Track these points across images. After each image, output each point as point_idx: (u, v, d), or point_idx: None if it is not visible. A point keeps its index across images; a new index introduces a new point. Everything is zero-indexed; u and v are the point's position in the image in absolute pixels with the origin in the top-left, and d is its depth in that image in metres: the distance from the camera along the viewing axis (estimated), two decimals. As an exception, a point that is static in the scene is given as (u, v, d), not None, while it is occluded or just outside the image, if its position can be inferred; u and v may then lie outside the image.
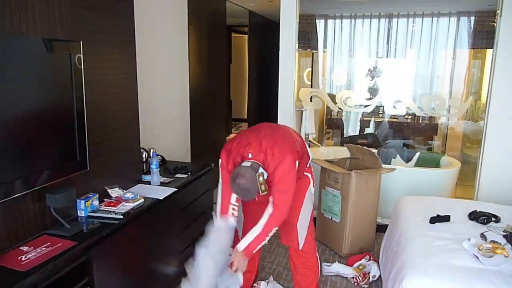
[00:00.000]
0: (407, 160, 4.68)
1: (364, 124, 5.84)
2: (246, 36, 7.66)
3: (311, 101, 4.42)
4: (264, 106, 7.42)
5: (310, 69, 5.84)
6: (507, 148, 3.54)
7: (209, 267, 2.13)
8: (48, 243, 1.92)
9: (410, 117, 5.57)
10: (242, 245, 2.22)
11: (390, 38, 5.33)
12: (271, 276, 3.10)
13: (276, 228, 2.26)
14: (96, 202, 2.32)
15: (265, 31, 7.33)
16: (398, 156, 4.70)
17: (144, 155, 3.11)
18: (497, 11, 3.42)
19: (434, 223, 2.68)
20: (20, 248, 1.86)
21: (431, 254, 2.27)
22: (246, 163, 2.16)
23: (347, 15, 5.48)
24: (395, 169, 3.67)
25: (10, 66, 1.76)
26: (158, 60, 3.62)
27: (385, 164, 4.13)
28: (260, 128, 2.39)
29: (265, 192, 2.15)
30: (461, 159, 4.72)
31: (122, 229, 2.23)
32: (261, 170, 2.15)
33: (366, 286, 3.03)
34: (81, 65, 2.14)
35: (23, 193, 1.87)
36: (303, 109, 4.41)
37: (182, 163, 3.40)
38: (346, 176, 3.35)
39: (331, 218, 3.54)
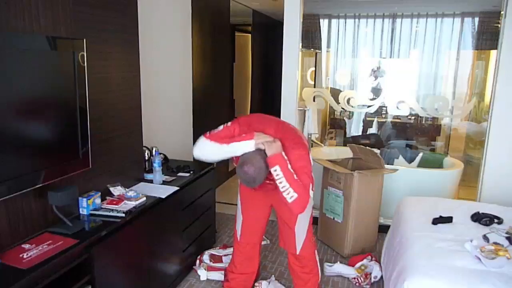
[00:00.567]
0: (410, 160, 4.67)
1: (367, 124, 5.83)
2: (250, 35, 7.66)
3: (314, 100, 4.42)
4: (267, 105, 7.41)
5: (314, 68, 5.83)
6: (511, 149, 3.52)
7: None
8: (50, 241, 1.92)
9: (413, 117, 5.54)
10: (281, 160, 2.05)
11: (394, 38, 5.31)
12: (273, 275, 3.10)
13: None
14: (98, 200, 2.33)
15: (269, 30, 7.33)
16: (401, 156, 4.69)
17: (146, 154, 3.12)
18: (502, 12, 3.40)
19: (436, 224, 2.67)
20: (22, 245, 1.87)
21: (433, 255, 2.26)
22: (257, 149, 2.07)
23: (351, 15, 5.47)
24: (397, 169, 3.66)
25: (14, 64, 1.76)
26: (162, 59, 3.62)
27: (388, 164, 4.12)
28: (269, 118, 2.33)
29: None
30: (464, 160, 4.70)
31: (124, 227, 2.23)
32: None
33: (368, 286, 3.02)
34: (84, 63, 2.14)
35: (25, 190, 1.87)
36: (306, 108, 4.41)
37: (184, 161, 3.40)
38: (348, 176, 3.35)
39: (333, 218, 3.53)
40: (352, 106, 4.27)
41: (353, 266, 3.18)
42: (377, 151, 4.12)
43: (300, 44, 3.95)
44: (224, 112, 5.51)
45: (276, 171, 2.03)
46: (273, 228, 3.86)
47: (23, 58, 1.81)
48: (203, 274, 3.05)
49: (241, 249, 2.66)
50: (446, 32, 5.14)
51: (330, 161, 3.68)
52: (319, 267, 2.67)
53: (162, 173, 2.92)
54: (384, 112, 5.58)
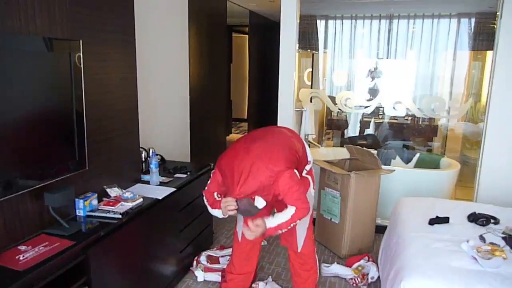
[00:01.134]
0: (407, 161, 4.68)
1: (364, 125, 5.84)
2: (247, 36, 7.66)
3: (311, 101, 4.42)
4: (264, 106, 7.43)
5: (311, 69, 5.84)
6: (507, 149, 3.54)
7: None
8: (46, 243, 1.91)
9: (410, 118, 5.56)
10: (270, 223, 2.19)
11: (391, 39, 5.33)
12: (270, 276, 3.09)
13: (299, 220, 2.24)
14: (95, 202, 2.32)
15: (266, 31, 7.34)
16: (397, 157, 4.69)
17: (143, 155, 3.11)
18: (497, 13, 3.42)
19: (433, 224, 2.68)
20: (18, 247, 1.86)
21: (430, 255, 2.27)
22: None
23: (347, 16, 5.48)
24: (394, 170, 3.67)
25: (10, 65, 1.75)
26: (159, 60, 3.61)
27: (385, 165, 4.13)
28: (249, 146, 2.25)
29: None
30: (461, 161, 4.71)
31: (121, 228, 2.22)
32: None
33: (365, 287, 3.03)
34: (80, 64, 2.13)
35: (21, 192, 1.87)
36: (303, 109, 4.41)
37: (181, 163, 3.39)
38: (345, 177, 3.35)
39: (330, 219, 3.54)
40: (349, 107, 4.28)
41: (350, 266, 3.18)
42: (374, 151, 4.13)
43: (297, 45, 3.95)
44: (221, 113, 5.52)
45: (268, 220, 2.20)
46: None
47: (19, 59, 1.81)
48: (200, 275, 3.05)
49: (241, 250, 2.66)
50: (443, 33, 5.17)
51: (327, 162, 3.69)
52: (318, 266, 2.69)
53: (159, 174, 2.91)
54: (381, 113, 5.60)
